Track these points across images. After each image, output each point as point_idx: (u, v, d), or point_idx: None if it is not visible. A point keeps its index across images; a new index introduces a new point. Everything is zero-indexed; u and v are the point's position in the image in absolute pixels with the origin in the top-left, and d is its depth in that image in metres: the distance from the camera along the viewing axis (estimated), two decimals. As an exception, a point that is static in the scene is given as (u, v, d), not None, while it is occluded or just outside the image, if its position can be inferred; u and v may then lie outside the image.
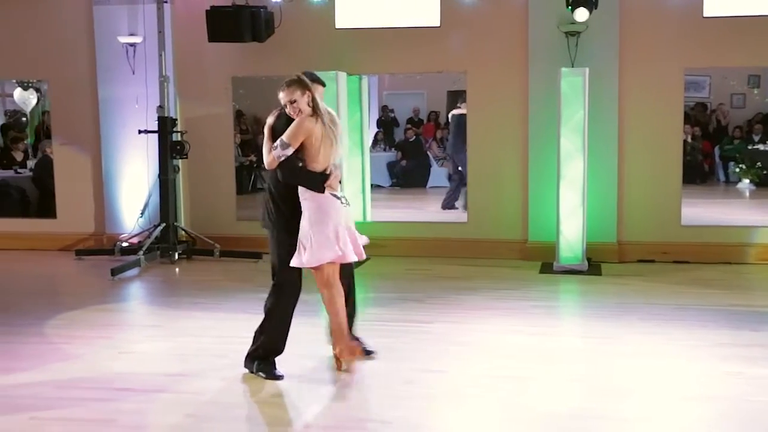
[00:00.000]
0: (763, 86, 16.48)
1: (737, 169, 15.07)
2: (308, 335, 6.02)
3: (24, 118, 14.50)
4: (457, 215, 11.21)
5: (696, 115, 16.04)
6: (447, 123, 13.79)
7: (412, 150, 15.86)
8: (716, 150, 15.98)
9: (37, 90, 13.63)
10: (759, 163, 14.67)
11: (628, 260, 9.20)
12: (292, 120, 5.26)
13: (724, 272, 8.71)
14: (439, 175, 15.30)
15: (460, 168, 12.32)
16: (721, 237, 9.29)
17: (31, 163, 13.21)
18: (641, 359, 5.78)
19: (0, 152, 13.69)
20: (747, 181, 14.75)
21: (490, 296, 7.77)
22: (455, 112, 12.51)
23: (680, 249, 9.20)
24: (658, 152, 9.26)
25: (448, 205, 12.62)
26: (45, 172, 11.51)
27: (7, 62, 10.62)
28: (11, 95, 14.20)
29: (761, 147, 15.14)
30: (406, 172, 15.76)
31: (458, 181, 12.42)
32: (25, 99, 13.65)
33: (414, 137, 16.07)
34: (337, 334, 5.40)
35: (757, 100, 16.51)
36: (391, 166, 15.98)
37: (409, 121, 16.95)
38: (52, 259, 9.98)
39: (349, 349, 5.42)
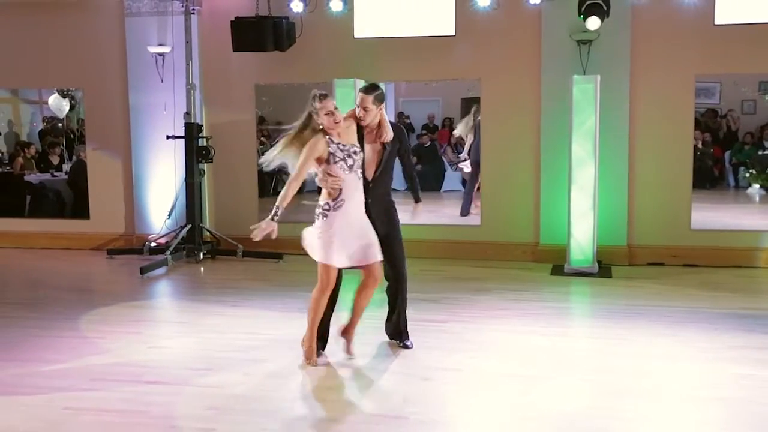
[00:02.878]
0: (774, 92, 16.34)
1: (747, 174, 14.90)
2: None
3: (60, 124, 14.71)
4: (471, 218, 11.21)
5: (706, 121, 15.92)
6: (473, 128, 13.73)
7: (427, 155, 15.91)
8: (727, 155, 15.86)
9: (72, 98, 13.84)
10: (769, 169, 14.60)
11: (638, 263, 9.15)
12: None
13: (733, 276, 8.59)
14: (453, 179, 15.25)
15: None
16: (731, 241, 9.20)
17: (66, 167, 13.41)
18: (651, 360, 5.72)
19: (38, 156, 13.91)
20: (757, 186, 14.51)
21: (503, 297, 7.74)
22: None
23: (690, 252, 9.13)
24: (669, 157, 9.18)
25: (466, 211, 12.64)
26: (79, 175, 11.65)
27: (46, 72, 10.81)
28: (47, 103, 14.43)
29: (772, 152, 15.05)
30: (421, 177, 15.74)
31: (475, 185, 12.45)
32: (60, 105, 13.86)
33: (429, 143, 16.09)
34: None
35: (768, 107, 16.38)
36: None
37: (425, 127, 16.96)
38: (86, 258, 10.10)
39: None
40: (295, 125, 5.57)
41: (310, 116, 5.52)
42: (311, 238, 5.55)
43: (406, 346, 6.06)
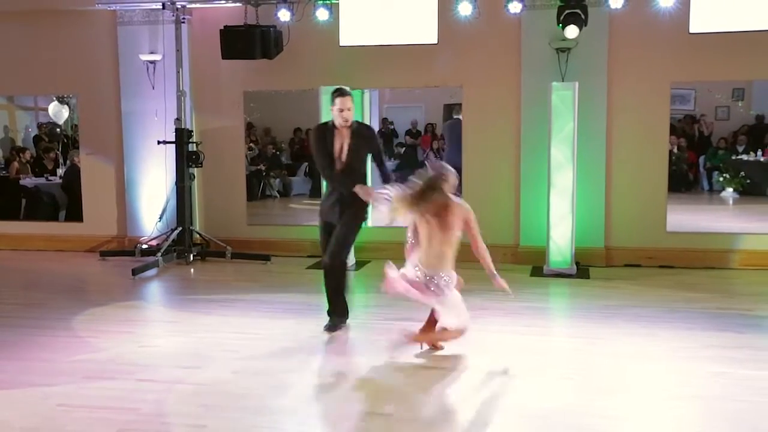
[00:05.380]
0: (746, 99, 16.37)
1: (721, 179, 15.01)
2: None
3: (57, 129, 14.71)
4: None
5: (683, 127, 16.04)
6: (441, 136, 13.80)
7: (409, 160, 15.97)
8: (701, 160, 15.97)
9: (66, 103, 13.85)
10: (742, 173, 14.62)
11: (616, 264, 9.19)
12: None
13: (708, 277, 8.62)
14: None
15: None
16: (705, 243, 9.25)
17: (60, 171, 13.41)
18: (628, 359, 5.71)
19: (33, 161, 13.88)
20: (730, 189, 14.65)
21: (484, 297, 7.53)
22: (450, 122, 12.64)
23: (665, 254, 9.18)
24: (645, 162, 9.23)
25: None
26: (73, 179, 11.67)
27: (40, 79, 10.81)
28: (44, 109, 14.44)
29: (745, 157, 15.10)
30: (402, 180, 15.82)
31: None
32: (59, 112, 13.87)
33: (405, 148, 16.28)
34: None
35: (741, 113, 16.39)
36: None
37: (408, 132, 17.05)
38: (79, 260, 10.11)
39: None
40: (416, 185, 5.64)
41: (437, 179, 5.65)
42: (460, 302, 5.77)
43: (333, 328, 6.45)
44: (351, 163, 6.30)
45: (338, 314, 6.51)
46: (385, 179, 6.26)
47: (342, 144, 6.28)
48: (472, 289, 8.08)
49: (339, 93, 6.23)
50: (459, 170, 12.43)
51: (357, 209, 6.32)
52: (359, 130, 6.38)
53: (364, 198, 6.18)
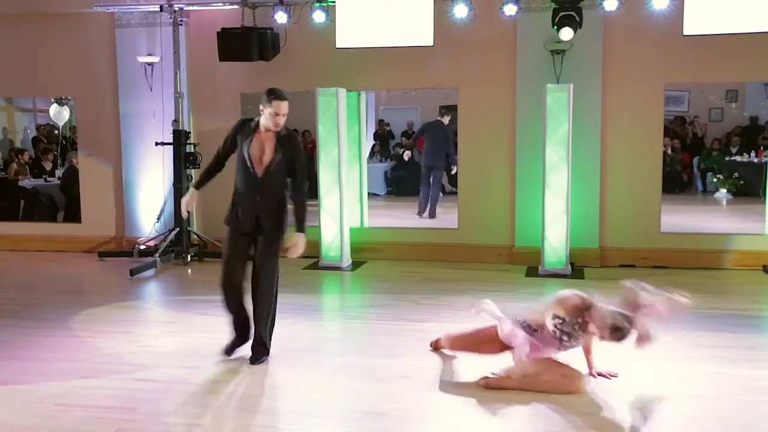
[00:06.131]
0: (740, 101, 16.43)
1: (715, 180, 15.03)
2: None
3: (56, 131, 14.71)
4: (449, 222, 11.29)
5: (674, 128, 16.07)
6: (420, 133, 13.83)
7: (403, 160, 16.01)
8: (695, 161, 16.00)
9: (68, 106, 13.85)
10: (736, 174, 14.63)
11: (610, 265, 9.20)
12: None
13: (701, 277, 8.63)
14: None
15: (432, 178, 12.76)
16: (699, 244, 9.27)
17: (59, 173, 13.41)
18: (622, 358, 5.60)
19: (32, 162, 13.87)
20: (724, 190, 14.66)
21: (479, 297, 7.40)
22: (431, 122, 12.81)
23: (659, 255, 9.20)
24: (639, 163, 9.25)
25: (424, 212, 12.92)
26: (71, 180, 11.69)
27: (39, 81, 10.82)
28: (42, 111, 14.44)
29: (738, 158, 15.14)
30: (400, 182, 15.84)
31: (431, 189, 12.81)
32: (58, 113, 13.88)
33: (402, 149, 16.31)
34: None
35: (735, 114, 16.45)
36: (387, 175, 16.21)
37: (404, 134, 17.08)
38: (77, 260, 10.11)
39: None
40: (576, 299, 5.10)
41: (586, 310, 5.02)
42: None
43: (258, 360, 5.65)
44: (273, 171, 5.56)
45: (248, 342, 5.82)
46: (296, 199, 5.66)
47: (264, 148, 5.56)
48: (467, 289, 8.15)
49: (277, 96, 5.48)
50: (435, 169, 12.61)
51: (276, 227, 5.64)
52: (288, 137, 5.62)
53: (295, 251, 5.60)
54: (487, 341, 5.41)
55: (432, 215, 12.81)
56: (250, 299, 5.72)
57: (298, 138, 5.78)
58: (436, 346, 5.91)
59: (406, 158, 14.95)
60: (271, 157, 5.55)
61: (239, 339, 5.83)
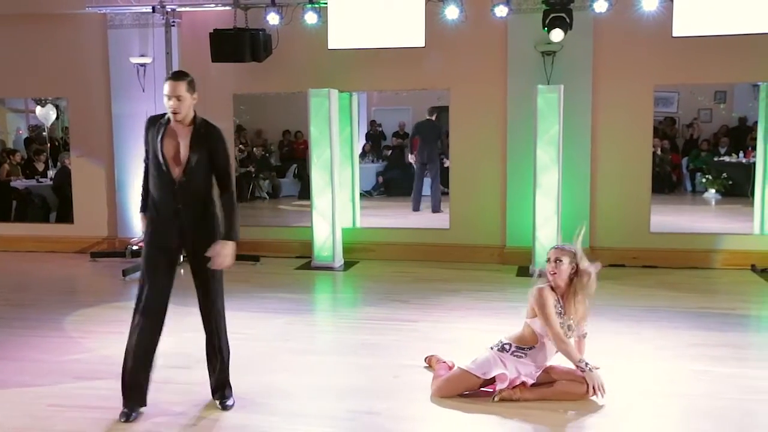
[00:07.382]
0: (728, 101, 16.46)
1: (704, 180, 15.08)
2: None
3: (44, 132, 14.65)
4: (441, 222, 11.30)
5: (663, 129, 16.10)
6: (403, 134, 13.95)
7: (397, 161, 16.00)
8: (684, 161, 16.04)
9: (56, 106, 13.79)
10: (724, 174, 14.67)
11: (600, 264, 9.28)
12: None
13: (691, 277, 8.66)
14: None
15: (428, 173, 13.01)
16: (688, 243, 9.31)
17: (51, 173, 13.36)
18: (613, 357, 5.69)
19: (24, 163, 13.83)
20: (713, 191, 14.69)
21: (471, 297, 7.77)
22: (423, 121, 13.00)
23: (649, 254, 9.22)
24: (629, 163, 9.28)
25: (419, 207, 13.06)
26: (64, 181, 11.63)
27: (30, 82, 10.78)
28: (34, 111, 14.39)
29: (727, 159, 15.19)
30: (393, 182, 15.83)
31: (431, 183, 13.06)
32: (45, 114, 13.82)
33: (392, 150, 16.28)
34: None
35: (723, 115, 16.48)
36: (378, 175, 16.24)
37: (395, 134, 17.09)
38: (70, 261, 10.07)
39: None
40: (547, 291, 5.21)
41: None
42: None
43: (225, 407, 4.85)
44: (194, 171, 4.66)
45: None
46: (223, 200, 4.87)
47: (178, 144, 4.67)
48: (459, 289, 8.17)
49: (169, 76, 4.76)
50: (430, 165, 12.90)
51: (207, 240, 4.77)
52: (206, 129, 4.76)
53: (219, 261, 4.77)
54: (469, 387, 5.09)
55: (436, 209, 12.93)
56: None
57: (219, 129, 4.83)
58: (429, 363, 5.68)
59: (412, 161, 14.88)
60: (188, 155, 4.64)
61: (136, 402, 4.78)
